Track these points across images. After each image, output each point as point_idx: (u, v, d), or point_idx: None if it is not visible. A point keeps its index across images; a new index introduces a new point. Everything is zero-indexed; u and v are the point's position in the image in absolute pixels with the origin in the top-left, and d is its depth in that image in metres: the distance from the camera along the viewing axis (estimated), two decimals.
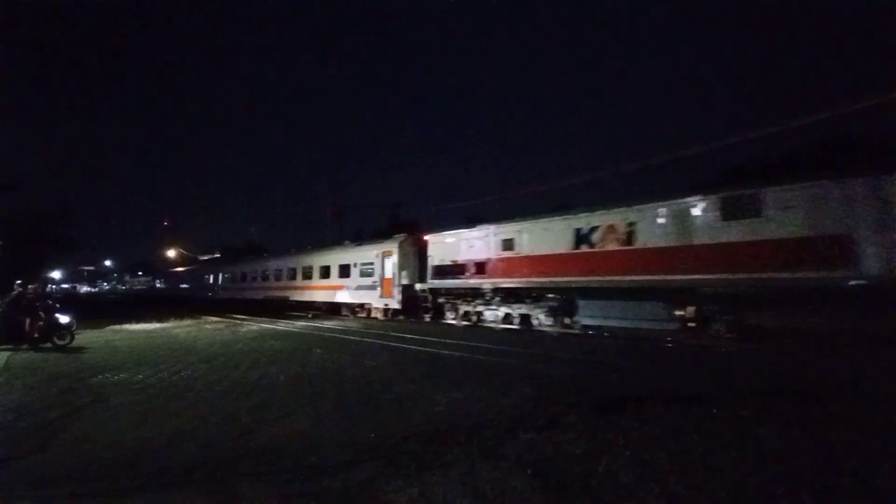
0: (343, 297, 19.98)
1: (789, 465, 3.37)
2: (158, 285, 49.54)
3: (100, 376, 7.40)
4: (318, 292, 21.71)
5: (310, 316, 20.59)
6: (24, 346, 10.39)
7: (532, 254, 13.34)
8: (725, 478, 3.21)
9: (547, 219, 13.29)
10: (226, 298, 30.79)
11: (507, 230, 14.17)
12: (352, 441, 4.24)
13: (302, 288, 23.08)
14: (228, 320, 19.00)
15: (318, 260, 22.25)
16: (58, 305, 11.53)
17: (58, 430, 4.76)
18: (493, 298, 14.39)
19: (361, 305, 19.06)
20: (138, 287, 60.43)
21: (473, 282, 14.83)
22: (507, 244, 14.04)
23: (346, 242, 22.68)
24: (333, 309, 21.18)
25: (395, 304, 17.10)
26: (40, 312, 10.71)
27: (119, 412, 5.38)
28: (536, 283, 13.16)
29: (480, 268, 14.68)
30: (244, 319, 19.29)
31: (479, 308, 14.87)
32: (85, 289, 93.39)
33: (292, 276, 24.05)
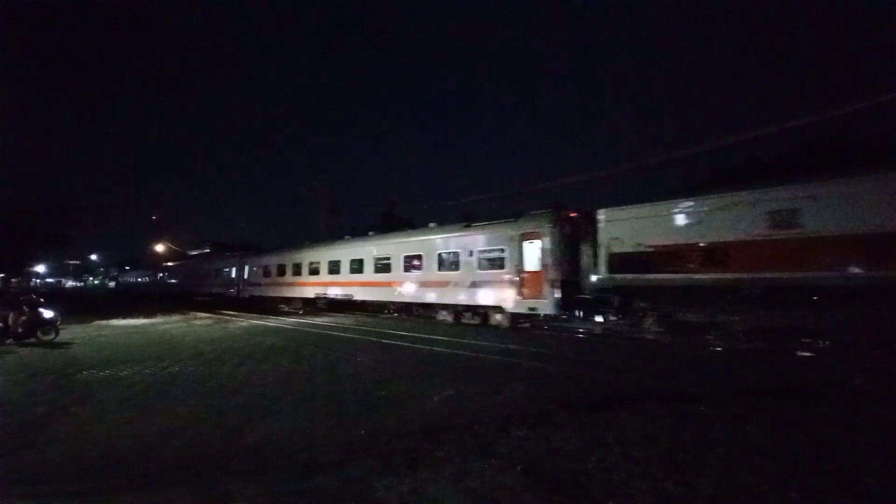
0: (449, 296, 14.68)
1: (778, 463, 3.43)
2: (160, 279, 43.54)
3: (86, 372, 7.29)
4: (403, 288, 16.36)
5: (301, 312, 20.45)
6: (8, 342, 10.20)
7: (844, 232, 8.22)
8: (715, 475, 3.25)
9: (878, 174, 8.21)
10: (255, 297, 25.75)
11: (779, 197, 9.14)
12: (344, 439, 4.22)
13: (373, 284, 17.63)
14: (218, 316, 18.81)
15: (399, 247, 16.87)
16: (41, 300, 11.32)
17: (44, 427, 4.68)
18: (752, 302, 9.33)
19: (476, 308, 14.09)
20: (133, 281, 54.16)
21: (714, 277, 9.62)
22: (780, 219, 9.02)
23: (432, 225, 17.12)
24: (409, 310, 16.96)
25: (548, 308, 11.97)
26: (24, 307, 10.52)
27: (106, 409, 5.30)
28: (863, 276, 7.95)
29: (715, 255, 9.75)
30: (234, 315, 19.11)
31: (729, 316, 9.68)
32: (70, 283, 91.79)
33: (357, 269, 18.41)
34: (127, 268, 67.03)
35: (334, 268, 19.74)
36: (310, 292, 21.18)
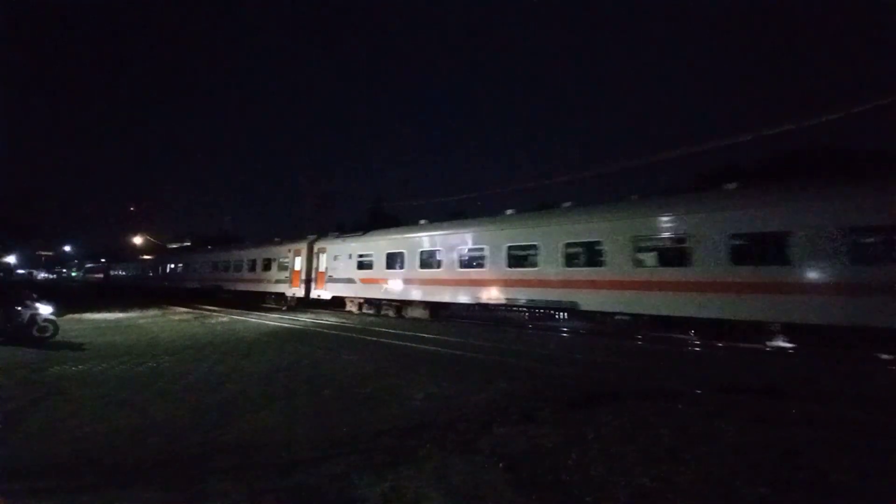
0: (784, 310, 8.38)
1: (750, 458, 3.53)
2: (169, 272, 34.29)
3: (59, 367, 7.07)
4: (703, 293, 9.23)
5: (284, 308, 20.19)
6: None
7: None
8: (690, 470, 3.33)
9: None
10: (342, 298, 18.30)
11: None
12: (325, 436, 4.19)
13: (613, 284, 10.56)
14: (197, 311, 18.44)
15: (671, 224, 10.00)
16: (34, 295, 10.47)
17: (15, 423, 4.53)
18: None
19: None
20: (128, 275, 44.41)
21: None
22: None
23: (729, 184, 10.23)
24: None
25: None
26: (26, 302, 9.63)
27: (79, 405, 5.15)
28: None
29: None
30: (214, 311, 18.75)
31: None
32: (43, 275, 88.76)
33: (580, 259, 11.40)
34: (102, 260, 63.75)
35: (520, 257, 12.55)
36: (462, 294, 13.66)
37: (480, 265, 13.29)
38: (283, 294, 21.08)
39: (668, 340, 10.17)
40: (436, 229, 15.39)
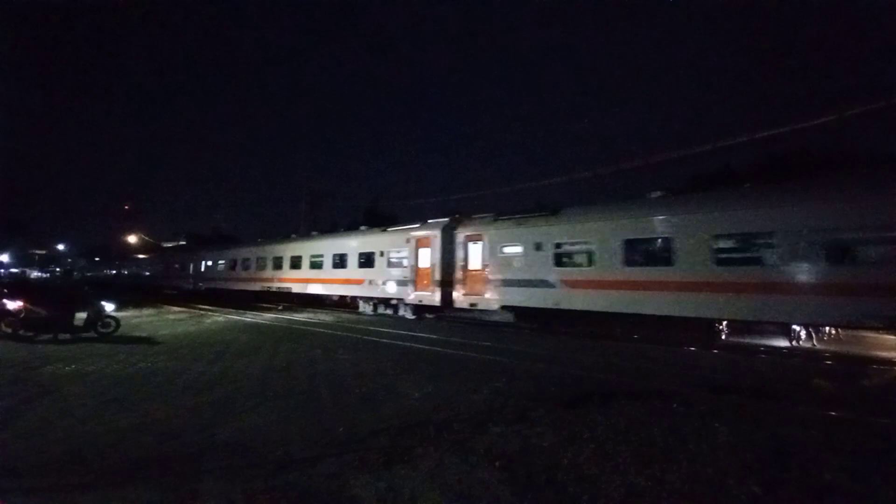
0: None
1: (742, 458, 3.56)
2: (210, 268, 27.68)
3: (51, 366, 7.01)
4: None
5: (280, 308, 20.12)
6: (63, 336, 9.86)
7: None
8: (682, 470, 3.35)
9: None
10: (524, 309, 12.32)
11: None
12: (320, 435, 4.18)
13: None
14: (192, 311, 18.34)
15: None
16: (89, 290, 11.49)
17: (5, 422, 4.49)
18: None
19: None
20: (141, 273, 39.80)
21: None
22: None
23: None
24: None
25: None
26: (92, 301, 10.56)
27: (71, 404, 5.12)
28: None
29: None
30: (209, 310, 18.66)
31: None
32: (36, 273, 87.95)
33: None
34: (96, 259, 63.14)
35: None
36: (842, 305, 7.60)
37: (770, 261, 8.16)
38: (393, 301, 15.69)
39: (665, 341, 10.21)
40: (770, 197, 8.81)
